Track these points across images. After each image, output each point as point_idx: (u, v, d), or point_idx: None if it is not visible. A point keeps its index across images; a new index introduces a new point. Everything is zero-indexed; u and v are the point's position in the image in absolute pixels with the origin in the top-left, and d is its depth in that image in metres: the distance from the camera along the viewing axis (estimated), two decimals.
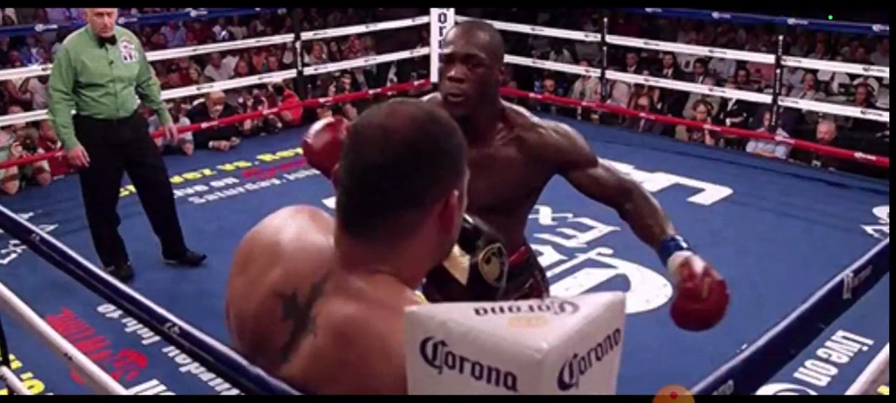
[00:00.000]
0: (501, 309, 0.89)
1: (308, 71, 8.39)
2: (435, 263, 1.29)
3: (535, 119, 2.22)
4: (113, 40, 4.55)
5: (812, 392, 3.66)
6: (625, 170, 6.53)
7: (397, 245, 1.19)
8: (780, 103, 7.18)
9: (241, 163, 7.07)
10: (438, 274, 1.38)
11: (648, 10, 8.40)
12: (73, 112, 4.57)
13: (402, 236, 1.18)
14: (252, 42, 9.05)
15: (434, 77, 8.97)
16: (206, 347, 1.25)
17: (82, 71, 4.46)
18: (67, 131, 4.52)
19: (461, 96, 2.07)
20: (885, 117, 7.16)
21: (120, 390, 2.34)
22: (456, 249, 1.37)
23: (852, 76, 9.18)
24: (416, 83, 9.20)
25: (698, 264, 1.91)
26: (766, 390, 3.51)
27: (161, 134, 5.56)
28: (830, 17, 9.36)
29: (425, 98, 2.31)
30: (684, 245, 2.00)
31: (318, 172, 2.18)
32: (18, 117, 7.01)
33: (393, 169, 1.15)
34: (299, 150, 7.19)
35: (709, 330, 1.88)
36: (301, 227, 1.29)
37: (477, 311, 0.89)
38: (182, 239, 4.97)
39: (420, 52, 9.14)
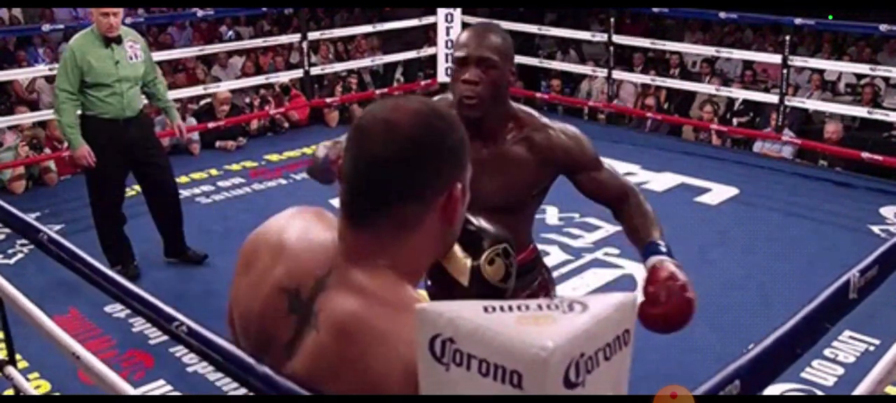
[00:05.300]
0: (510, 308, 0.89)
1: (315, 71, 8.40)
2: (437, 256, 1.30)
3: (545, 120, 2.25)
4: (119, 40, 4.57)
5: (819, 392, 3.65)
6: (631, 170, 6.61)
7: (400, 238, 1.20)
8: (786, 103, 7.16)
9: (248, 163, 7.08)
10: (445, 279, 1.38)
11: (655, 10, 8.38)
12: (80, 112, 4.58)
13: (406, 229, 1.19)
14: (259, 42, 9.08)
15: (441, 77, 8.97)
16: (215, 346, 1.26)
17: (88, 71, 4.48)
18: (73, 131, 4.52)
19: (475, 99, 2.09)
20: (891, 117, 7.16)
21: (129, 390, 2.34)
22: (459, 251, 1.36)
23: (859, 76, 9.17)
24: (422, 83, 9.19)
25: (665, 269, 1.92)
26: (773, 389, 3.51)
27: (171, 132, 5.61)
28: (830, 17, 9.34)
29: (436, 99, 2.31)
30: (663, 249, 2.02)
31: None
32: (25, 117, 7.03)
33: (396, 163, 1.16)
34: (306, 150, 7.26)
35: (678, 331, 1.88)
36: (305, 225, 1.30)
37: (486, 309, 0.89)
38: (183, 237, 4.98)
39: (427, 51, 9.13)
